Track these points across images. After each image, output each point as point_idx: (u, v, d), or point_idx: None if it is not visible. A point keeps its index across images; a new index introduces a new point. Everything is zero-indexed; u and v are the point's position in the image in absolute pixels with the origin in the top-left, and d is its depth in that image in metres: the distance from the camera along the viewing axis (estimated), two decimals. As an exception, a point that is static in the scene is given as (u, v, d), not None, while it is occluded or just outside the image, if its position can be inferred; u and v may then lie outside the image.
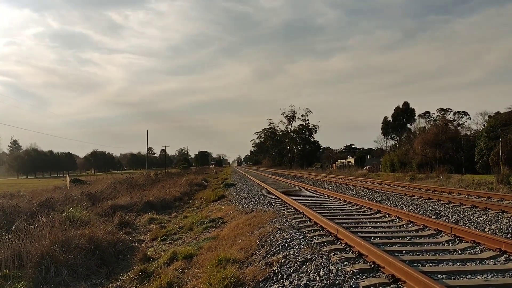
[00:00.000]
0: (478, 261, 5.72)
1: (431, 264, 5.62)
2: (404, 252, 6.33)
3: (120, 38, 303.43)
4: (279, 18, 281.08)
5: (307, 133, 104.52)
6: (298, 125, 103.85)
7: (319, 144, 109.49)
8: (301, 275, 5.36)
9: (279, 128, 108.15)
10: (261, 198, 15.87)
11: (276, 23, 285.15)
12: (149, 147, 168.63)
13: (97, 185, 28.87)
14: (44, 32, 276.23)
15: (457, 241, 6.99)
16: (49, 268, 7.60)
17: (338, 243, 6.92)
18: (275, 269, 5.79)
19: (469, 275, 5.08)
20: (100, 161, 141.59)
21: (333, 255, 6.11)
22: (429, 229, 8.06)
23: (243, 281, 5.66)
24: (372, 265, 5.42)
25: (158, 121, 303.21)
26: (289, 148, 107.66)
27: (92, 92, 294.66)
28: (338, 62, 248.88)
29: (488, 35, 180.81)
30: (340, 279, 4.97)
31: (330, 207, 12.33)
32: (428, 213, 10.90)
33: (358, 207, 12.17)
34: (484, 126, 56.88)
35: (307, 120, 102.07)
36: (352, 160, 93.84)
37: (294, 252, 6.46)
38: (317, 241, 7.13)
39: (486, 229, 8.54)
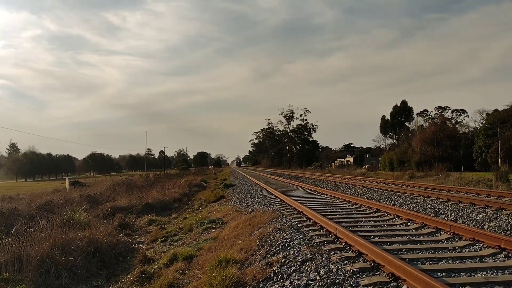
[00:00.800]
0: (478, 259, 5.74)
1: (430, 262, 5.64)
2: (403, 250, 6.34)
3: (117, 39, 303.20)
4: (277, 18, 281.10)
5: (305, 133, 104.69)
6: (297, 125, 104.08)
7: (318, 144, 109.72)
8: (301, 274, 5.37)
9: (278, 128, 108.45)
10: (261, 198, 15.88)
11: (274, 23, 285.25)
12: (148, 149, 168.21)
13: (96, 187, 28.85)
14: (41, 35, 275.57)
15: (457, 239, 7.01)
16: (49, 271, 7.59)
17: (338, 242, 6.93)
18: (275, 269, 5.80)
19: (468, 273, 5.10)
20: (99, 163, 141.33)
21: (333, 254, 6.13)
22: (428, 227, 8.08)
23: (244, 282, 5.67)
24: (372, 264, 5.44)
25: (156, 122, 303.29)
26: (288, 148, 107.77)
27: (90, 94, 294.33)
28: (336, 61, 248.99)
29: (486, 33, 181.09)
30: (340, 278, 4.98)
31: (330, 207, 12.34)
32: (427, 211, 10.92)
33: (357, 206, 12.19)
34: (482, 123, 57.07)
35: (306, 119, 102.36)
36: (351, 159, 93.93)
37: (294, 252, 6.47)
38: (317, 241, 7.14)
39: (485, 227, 8.57)
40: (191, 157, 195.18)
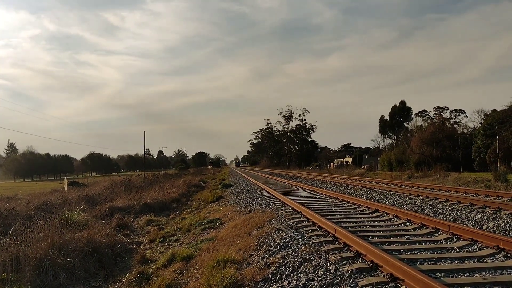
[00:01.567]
0: (476, 259, 5.73)
1: (429, 263, 5.63)
2: (402, 250, 6.33)
3: (116, 39, 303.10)
4: (276, 18, 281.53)
5: (304, 133, 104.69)
6: (296, 125, 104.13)
7: (317, 144, 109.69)
8: (299, 275, 5.35)
9: (277, 128, 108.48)
10: (259, 199, 15.86)
11: (272, 23, 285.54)
12: (147, 149, 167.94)
13: (94, 188, 28.80)
14: (40, 34, 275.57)
15: (455, 239, 7.00)
16: (47, 271, 7.57)
17: (336, 243, 6.92)
18: (274, 270, 5.78)
19: (467, 273, 5.09)
20: (97, 163, 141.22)
21: (332, 254, 6.11)
22: (427, 228, 8.08)
23: (242, 282, 5.66)
24: (371, 264, 5.43)
25: (155, 122, 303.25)
26: (286, 148, 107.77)
27: (89, 94, 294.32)
28: (335, 61, 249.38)
29: (484, 33, 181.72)
30: (338, 278, 4.97)
31: (328, 207, 12.33)
32: (426, 212, 10.92)
33: (356, 206, 12.18)
34: (481, 124, 57.13)
35: (305, 120, 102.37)
36: (349, 159, 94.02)
37: (292, 252, 6.45)
38: (315, 241, 7.13)
39: (484, 227, 8.57)
40: (190, 157, 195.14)
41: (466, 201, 11.90)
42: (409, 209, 11.52)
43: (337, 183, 24.55)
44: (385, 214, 10.17)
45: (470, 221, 9.24)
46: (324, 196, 15.86)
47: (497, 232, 7.90)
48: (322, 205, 12.88)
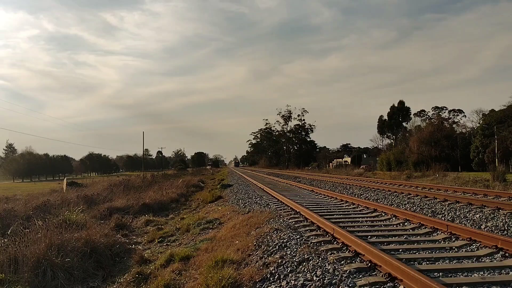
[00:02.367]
0: (475, 259, 5.73)
1: (427, 262, 5.63)
2: (400, 250, 6.33)
3: (115, 39, 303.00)
4: (275, 18, 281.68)
5: (303, 133, 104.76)
6: (294, 125, 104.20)
7: (316, 144, 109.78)
8: (298, 275, 5.35)
9: (275, 128, 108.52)
10: (258, 199, 15.86)
11: (271, 23, 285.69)
12: (145, 149, 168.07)
13: (93, 188, 28.73)
14: (39, 35, 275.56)
15: (454, 239, 7.01)
16: (46, 271, 7.56)
17: (335, 243, 6.92)
18: (272, 270, 5.78)
19: (465, 273, 5.09)
20: (96, 163, 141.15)
21: (330, 254, 6.11)
22: (425, 227, 8.08)
23: (240, 282, 5.66)
24: (369, 264, 5.43)
25: (154, 122, 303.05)
26: (285, 148, 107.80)
27: (88, 94, 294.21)
28: (334, 61, 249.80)
29: (483, 33, 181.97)
30: (337, 278, 4.96)
31: (327, 207, 12.33)
32: (424, 211, 10.93)
33: (354, 206, 12.18)
34: (479, 124, 57.18)
35: (303, 120, 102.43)
36: (348, 159, 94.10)
37: (291, 252, 6.45)
38: (314, 241, 7.12)
39: (482, 227, 8.57)
40: (189, 157, 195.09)
41: (465, 201, 11.91)
42: (408, 208, 11.52)
43: (336, 183, 24.56)
44: (383, 214, 10.17)
45: (468, 221, 9.25)
46: (322, 196, 15.86)
47: (495, 231, 7.91)
48: (321, 205, 12.88)
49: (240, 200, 16.31)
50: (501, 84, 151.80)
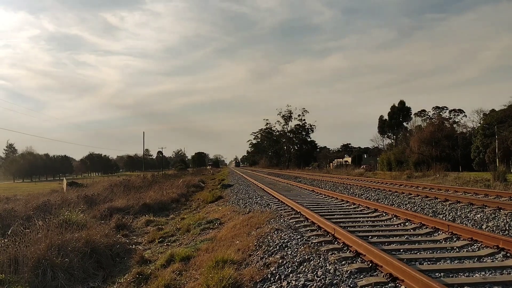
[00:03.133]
0: (476, 259, 5.72)
1: (428, 263, 5.61)
2: (401, 250, 6.32)
3: (115, 39, 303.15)
4: (275, 18, 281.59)
5: (303, 133, 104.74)
6: (295, 125, 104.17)
7: (316, 144, 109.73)
8: (298, 275, 5.33)
9: (276, 128, 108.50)
10: (258, 199, 15.84)
11: (272, 23, 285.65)
12: (146, 149, 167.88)
13: (93, 188, 28.71)
14: (39, 35, 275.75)
15: (455, 239, 6.99)
16: (46, 272, 7.54)
17: (335, 243, 6.90)
18: (273, 270, 5.76)
19: (467, 273, 5.08)
20: (96, 163, 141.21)
21: (331, 254, 6.09)
22: (426, 227, 8.06)
23: (241, 282, 5.64)
24: (370, 264, 5.41)
25: (154, 122, 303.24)
26: (286, 148, 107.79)
27: (88, 94, 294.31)
28: (334, 61, 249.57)
29: (484, 33, 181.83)
30: (337, 278, 4.95)
31: (328, 207, 12.32)
32: (425, 211, 10.91)
33: (355, 206, 12.16)
34: (480, 123, 57.16)
35: (304, 120, 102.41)
36: (349, 159, 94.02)
37: (291, 252, 6.44)
38: (314, 241, 7.11)
39: (484, 227, 8.56)
40: (189, 157, 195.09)
41: (466, 201, 11.89)
42: (409, 208, 11.51)
43: (336, 183, 24.54)
44: (384, 214, 10.15)
45: (469, 221, 9.23)
46: (323, 196, 15.85)
47: (496, 231, 7.89)
48: (322, 205, 12.86)
49: (241, 200, 16.29)
50: (502, 84, 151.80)
